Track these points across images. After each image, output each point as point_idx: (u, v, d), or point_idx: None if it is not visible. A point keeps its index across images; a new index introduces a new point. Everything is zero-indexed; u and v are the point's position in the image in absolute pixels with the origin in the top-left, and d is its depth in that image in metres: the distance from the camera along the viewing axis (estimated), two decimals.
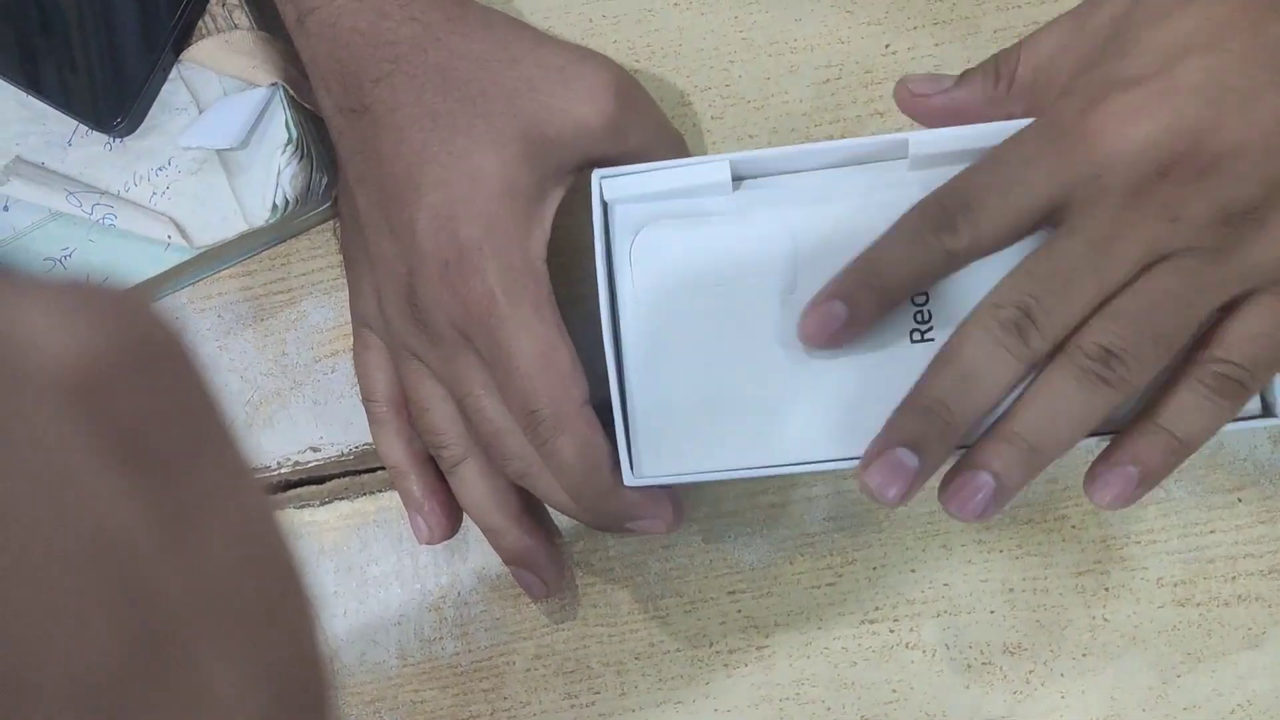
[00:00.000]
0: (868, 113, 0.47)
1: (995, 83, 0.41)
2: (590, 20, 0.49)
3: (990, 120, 0.39)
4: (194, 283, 0.49)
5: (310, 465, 0.48)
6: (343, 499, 0.48)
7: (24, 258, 0.47)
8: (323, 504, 0.48)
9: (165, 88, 0.47)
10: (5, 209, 0.47)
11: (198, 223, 0.46)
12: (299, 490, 0.48)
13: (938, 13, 0.48)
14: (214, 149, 0.46)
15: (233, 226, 0.46)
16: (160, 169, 0.47)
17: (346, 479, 0.48)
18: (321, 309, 0.49)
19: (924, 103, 0.42)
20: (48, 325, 0.16)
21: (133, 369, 0.16)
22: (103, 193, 0.47)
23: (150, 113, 0.47)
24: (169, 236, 0.46)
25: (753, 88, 0.48)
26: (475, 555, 0.47)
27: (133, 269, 0.47)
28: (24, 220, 0.47)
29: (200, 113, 0.47)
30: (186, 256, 0.47)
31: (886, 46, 0.48)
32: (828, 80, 0.48)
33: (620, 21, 0.49)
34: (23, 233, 0.47)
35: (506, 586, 0.47)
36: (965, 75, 0.42)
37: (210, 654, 0.16)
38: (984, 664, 0.46)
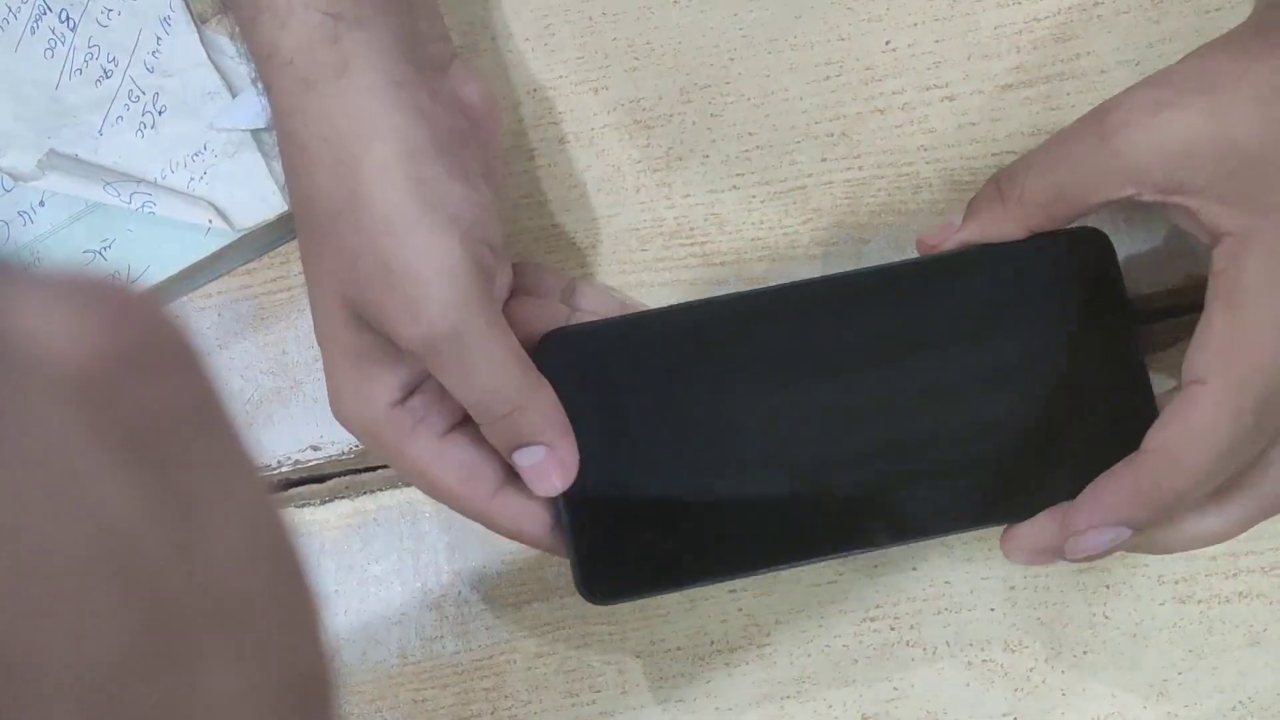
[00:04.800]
0: (868, 110, 0.47)
1: (1002, 202, 0.41)
2: (590, 18, 0.49)
3: (1008, 238, 0.41)
4: (233, 270, 0.49)
5: (311, 464, 0.48)
6: (343, 498, 0.48)
7: (62, 251, 0.47)
8: (323, 503, 0.48)
9: (197, 71, 0.47)
10: (41, 204, 0.47)
11: (237, 205, 0.47)
12: (300, 489, 0.48)
13: (938, 9, 0.48)
14: (248, 129, 0.47)
15: (272, 207, 0.47)
16: (196, 154, 0.47)
17: (347, 478, 0.48)
18: None
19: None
20: (52, 322, 0.16)
21: (137, 366, 0.16)
22: (140, 181, 0.47)
23: (183, 99, 0.47)
24: (209, 221, 0.46)
25: (752, 85, 0.48)
26: (476, 554, 0.47)
27: (173, 256, 0.47)
28: (60, 214, 0.47)
29: (233, 97, 0.47)
30: (227, 241, 0.47)
31: (887, 43, 0.48)
32: (828, 77, 0.48)
33: (620, 19, 0.49)
34: (60, 226, 0.47)
35: (507, 585, 0.47)
36: (970, 205, 0.42)
37: (215, 650, 0.16)
38: (985, 661, 0.46)
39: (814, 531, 0.41)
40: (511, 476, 0.41)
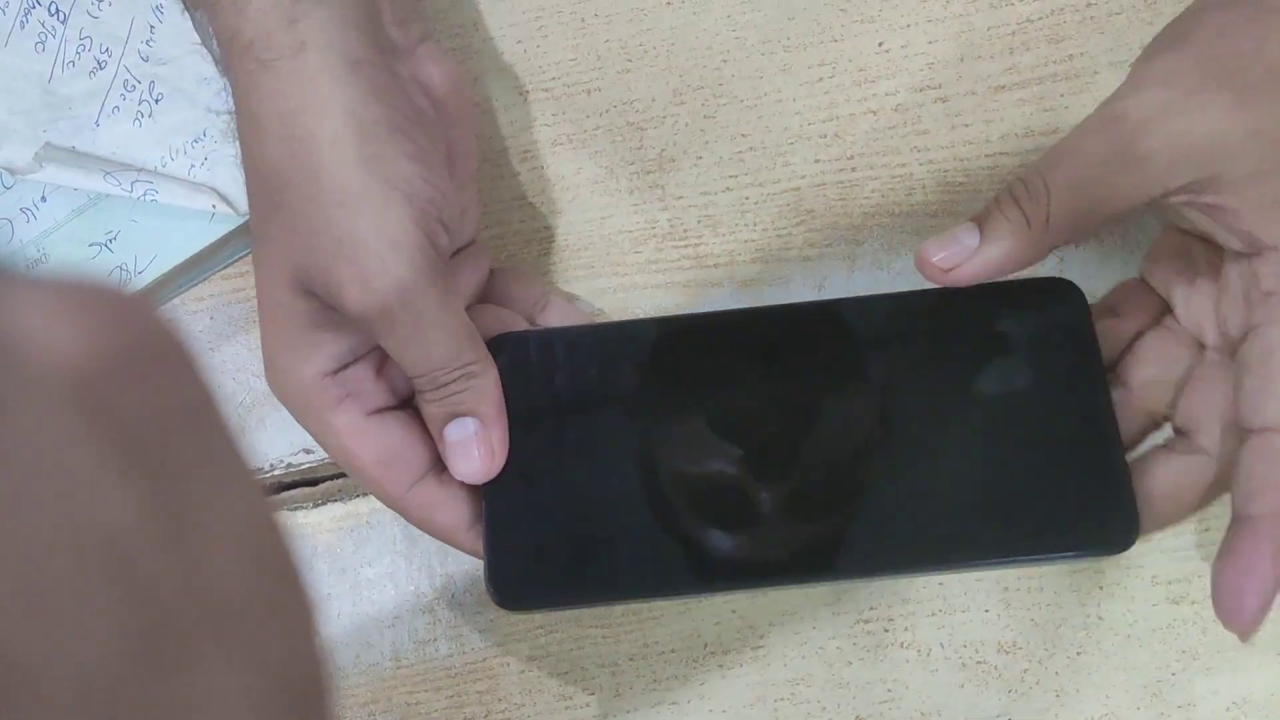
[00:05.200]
0: (861, 111, 0.47)
1: (1028, 225, 0.39)
2: (582, 20, 0.49)
3: (1032, 262, 0.39)
4: (239, 257, 0.49)
5: (303, 467, 0.48)
6: (336, 501, 0.48)
7: (67, 246, 0.47)
8: (316, 506, 0.48)
9: (192, 58, 0.47)
10: (43, 199, 0.47)
11: (241, 189, 0.47)
12: (292, 492, 0.48)
13: (930, 10, 0.48)
14: None
15: None
16: (196, 140, 0.47)
17: (340, 480, 0.48)
18: None
19: (957, 275, 0.39)
20: (47, 324, 0.16)
21: (131, 367, 0.16)
22: (140, 170, 0.47)
23: (179, 85, 0.47)
24: (213, 206, 0.46)
25: (745, 86, 0.48)
26: (468, 558, 0.47)
27: (179, 245, 0.47)
28: (63, 209, 0.47)
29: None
30: (232, 226, 0.47)
31: (880, 44, 0.48)
32: (821, 79, 0.48)
33: (612, 21, 0.49)
34: (63, 221, 0.47)
35: None
36: (988, 226, 0.39)
37: (210, 651, 0.16)
38: (978, 663, 0.46)
39: (735, 561, 0.40)
40: (436, 467, 0.41)
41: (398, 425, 0.41)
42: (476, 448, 0.40)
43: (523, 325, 0.44)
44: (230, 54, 0.39)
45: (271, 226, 0.39)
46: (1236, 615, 0.36)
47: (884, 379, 0.41)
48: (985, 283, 0.40)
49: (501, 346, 0.42)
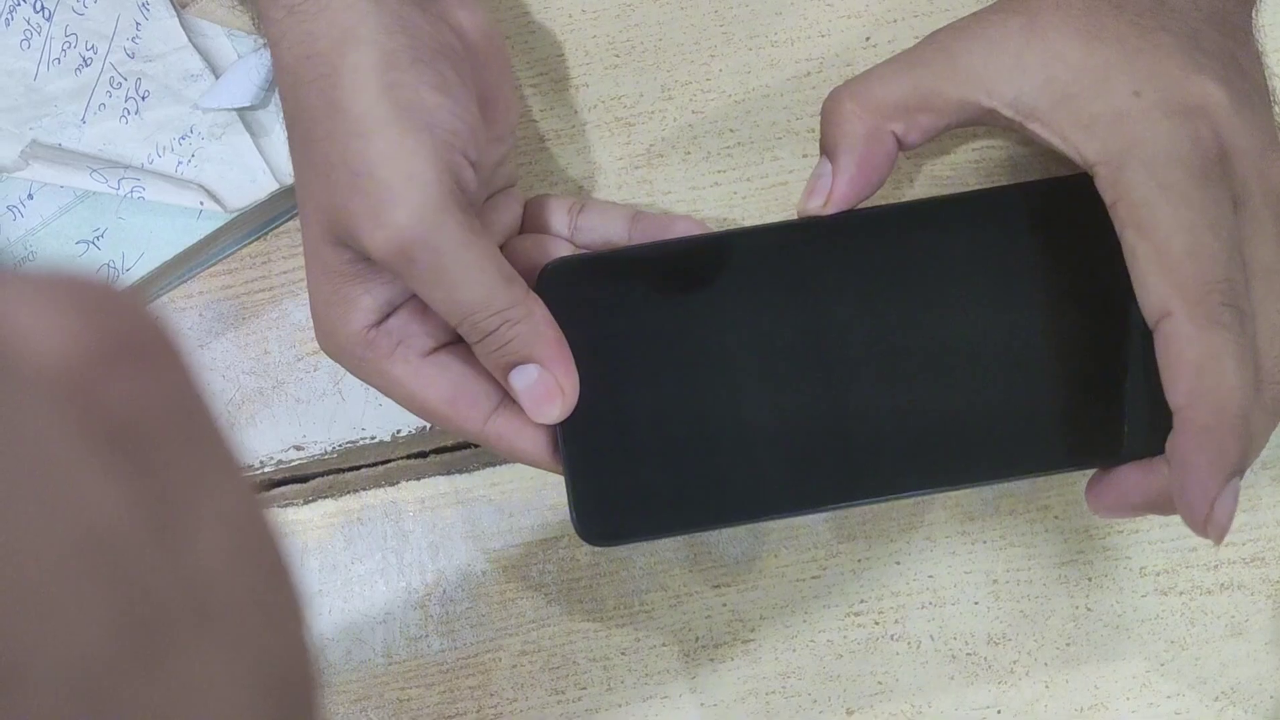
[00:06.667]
0: None
1: (861, 145, 0.40)
2: (570, 15, 0.49)
3: (883, 176, 0.40)
4: (229, 254, 0.49)
5: (294, 464, 0.48)
6: (326, 497, 0.48)
7: (54, 244, 0.47)
8: (306, 503, 0.48)
9: (179, 55, 0.47)
10: (30, 197, 0.47)
11: (228, 186, 0.47)
12: (282, 489, 0.48)
13: (917, 5, 0.48)
14: (234, 109, 0.47)
15: (263, 187, 0.47)
16: (183, 137, 0.47)
17: (330, 477, 0.48)
18: (303, 307, 0.49)
19: (829, 207, 0.41)
20: (34, 319, 0.16)
21: (120, 362, 0.16)
22: (126, 167, 0.47)
23: (165, 82, 0.47)
24: (201, 203, 0.46)
25: (733, 82, 0.48)
26: (460, 552, 0.47)
27: (167, 242, 0.47)
28: (50, 206, 0.47)
29: (216, 78, 0.47)
30: (220, 223, 0.47)
31: (867, 39, 0.48)
32: (808, 74, 0.48)
33: (600, 17, 0.49)
34: (50, 219, 0.47)
35: (491, 583, 0.47)
36: (841, 160, 0.41)
37: (199, 645, 0.16)
38: (968, 655, 0.46)
39: (824, 478, 0.40)
40: (509, 397, 0.40)
41: (457, 361, 0.40)
42: (544, 393, 0.39)
43: (567, 250, 0.43)
44: (261, 6, 0.39)
45: (305, 176, 0.38)
46: (1210, 524, 0.37)
47: (961, 285, 0.40)
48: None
49: (553, 275, 0.40)
